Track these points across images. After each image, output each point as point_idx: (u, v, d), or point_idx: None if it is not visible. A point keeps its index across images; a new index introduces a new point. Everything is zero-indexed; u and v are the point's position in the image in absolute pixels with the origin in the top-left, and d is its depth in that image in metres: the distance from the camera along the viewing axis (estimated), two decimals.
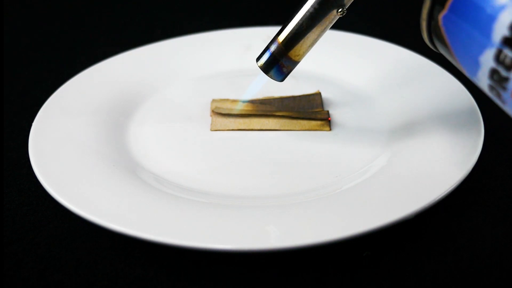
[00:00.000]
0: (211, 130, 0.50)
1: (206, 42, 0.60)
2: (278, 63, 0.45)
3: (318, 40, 0.45)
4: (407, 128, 0.48)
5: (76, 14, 0.74)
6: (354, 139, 0.48)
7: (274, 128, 0.50)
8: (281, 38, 0.45)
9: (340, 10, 0.43)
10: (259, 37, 0.57)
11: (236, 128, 0.50)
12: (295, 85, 0.54)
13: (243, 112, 0.51)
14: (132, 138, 0.49)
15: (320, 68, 0.57)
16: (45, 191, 0.42)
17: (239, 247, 0.37)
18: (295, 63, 0.45)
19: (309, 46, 0.45)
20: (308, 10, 0.43)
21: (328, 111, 0.51)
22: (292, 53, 0.45)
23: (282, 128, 0.50)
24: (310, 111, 0.51)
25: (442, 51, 0.40)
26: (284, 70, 0.45)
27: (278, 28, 0.63)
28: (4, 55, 0.65)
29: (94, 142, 0.47)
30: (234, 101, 0.52)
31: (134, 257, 0.40)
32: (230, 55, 0.59)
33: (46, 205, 0.44)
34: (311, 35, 0.44)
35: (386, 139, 0.48)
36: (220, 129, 0.50)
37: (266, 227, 0.39)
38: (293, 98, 0.53)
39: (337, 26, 0.61)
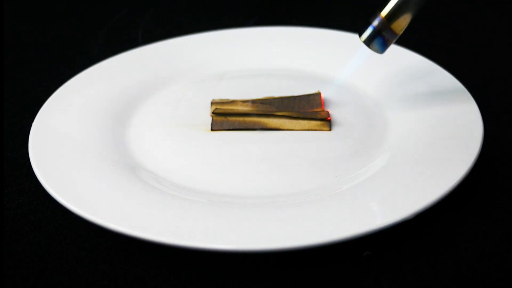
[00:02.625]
0: (211, 130, 0.50)
1: (206, 42, 0.60)
2: (383, 36, 0.46)
3: (418, 12, 0.46)
4: (407, 128, 0.48)
5: (76, 14, 0.74)
6: (354, 139, 0.48)
7: (274, 128, 0.50)
8: (384, 12, 0.46)
9: None
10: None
11: (236, 128, 0.50)
12: (295, 85, 0.54)
13: (243, 112, 0.51)
14: (132, 138, 0.49)
15: (320, 68, 0.57)
16: (45, 191, 0.42)
17: (239, 247, 0.37)
18: (397, 35, 0.47)
19: (411, 18, 0.46)
20: None
21: (328, 111, 0.51)
22: (396, 26, 0.46)
23: (282, 128, 0.50)
24: (310, 111, 0.51)
25: None
26: (387, 42, 0.47)
27: (277, 28, 0.63)
28: (4, 55, 0.65)
29: (94, 142, 0.47)
30: (234, 101, 0.52)
31: (134, 257, 0.40)
32: (230, 55, 0.59)
33: (46, 205, 0.44)
34: (414, 7, 0.46)
35: (386, 139, 0.48)
36: (220, 129, 0.50)
37: (266, 227, 0.39)
38: (293, 98, 0.53)
39: (337, 26, 0.62)
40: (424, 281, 0.38)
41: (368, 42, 0.47)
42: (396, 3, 0.46)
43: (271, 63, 0.58)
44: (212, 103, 0.52)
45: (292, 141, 0.49)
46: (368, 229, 0.37)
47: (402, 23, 0.46)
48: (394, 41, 0.47)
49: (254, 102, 0.52)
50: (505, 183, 0.45)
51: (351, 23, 0.62)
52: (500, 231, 0.41)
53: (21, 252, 0.41)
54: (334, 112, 0.51)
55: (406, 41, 0.58)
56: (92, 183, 0.43)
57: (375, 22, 0.46)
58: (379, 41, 0.47)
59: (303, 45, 0.60)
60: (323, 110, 0.51)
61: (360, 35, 0.47)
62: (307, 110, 0.51)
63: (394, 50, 0.57)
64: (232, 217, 0.40)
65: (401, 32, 0.47)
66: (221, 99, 0.53)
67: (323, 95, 0.53)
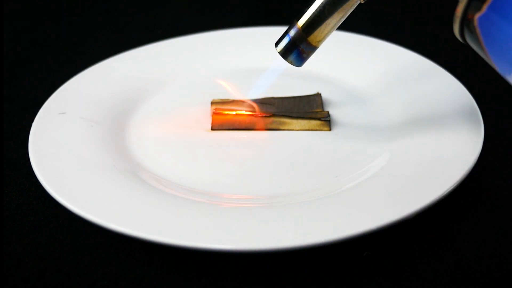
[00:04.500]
0: (211, 130, 0.50)
1: (206, 42, 0.60)
2: (298, 48, 0.44)
3: (338, 25, 0.44)
4: (407, 128, 0.48)
5: (76, 14, 0.74)
6: (354, 139, 0.48)
7: (274, 128, 0.50)
8: (301, 23, 0.44)
9: None
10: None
11: (236, 128, 0.50)
12: (295, 85, 0.54)
13: (243, 112, 0.51)
14: (132, 138, 0.49)
15: (320, 68, 0.57)
16: (45, 191, 0.42)
17: (239, 247, 0.37)
18: (314, 48, 0.45)
19: (330, 31, 0.44)
20: None
21: (328, 112, 0.51)
22: (312, 38, 0.44)
23: (282, 128, 0.50)
24: (310, 111, 0.51)
25: (473, 46, 0.40)
26: (304, 55, 0.45)
27: (278, 28, 0.63)
28: (4, 55, 0.65)
29: (94, 142, 0.47)
30: (234, 101, 0.52)
31: (134, 257, 0.40)
32: (230, 55, 0.59)
33: (46, 205, 0.44)
34: (331, 21, 0.43)
35: (386, 139, 0.48)
36: (220, 129, 0.50)
37: (266, 227, 0.39)
38: (293, 98, 0.53)
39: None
40: (424, 281, 0.38)
41: (284, 54, 0.45)
42: (313, 13, 0.43)
43: (271, 63, 0.58)
44: (212, 103, 0.52)
45: (292, 141, 0.49)
46: (368, 229, 0.37)
47: (319, 35, 0.44)
48: (312, 54, 0.45)
49: (254, 102, 0.52)
50: (505, 183, 0.45)
51: (351, 23, 0.62)
52: (500, 231, 0.41)
53: (21, 252, 0.41)
54: (334, 112, 0.51)
55: (406, 41, 0.58)
56: (92, 183, 0.43)
57: (292, 32, 0.44)
58: (296, 53, 0.45)
59: None
60: (323, 110, 0.51)
61: (276, 46, 0.45)
62: (307, 110, 0.51)
63: (394, 50, 0.57)
64: (232, 217, 0.40)
65: (319, 45, 0.45)
66: (221, 99, 0.53)
67: (323, 96, 0.53)
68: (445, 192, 0.40)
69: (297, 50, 0.44)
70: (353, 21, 0.69)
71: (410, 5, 0.73)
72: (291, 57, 0.45)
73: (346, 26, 0.61)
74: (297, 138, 0.49)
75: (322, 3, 0.43)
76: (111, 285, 0.38)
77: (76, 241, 0.41)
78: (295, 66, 0.46)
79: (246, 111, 0.51)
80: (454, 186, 0.40)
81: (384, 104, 0.52)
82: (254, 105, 0.52)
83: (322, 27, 0.43)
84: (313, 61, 0.58)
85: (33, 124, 0.48)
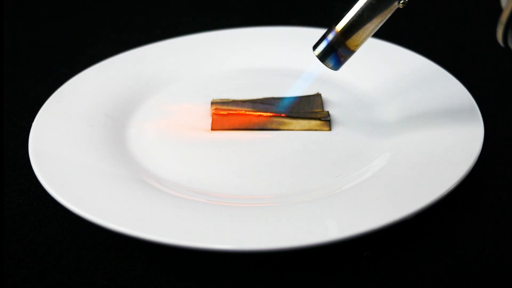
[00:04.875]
0: (211, 130, 0.50)
1: (206, 42, 0.60)
2: (336, 52, 0.45)
3: (376, 30, 0.44)
4: (407, 128, 0.48)
5: (76, 14, 0.74)
6: (354, 139, 0.48)
7: (274, 128, 0.50)
8: (339, 27, 0.44)
9: (402, 1, 0.43)
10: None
11: (236, 128, 0.50)
12: (295, 85, 0.54)
13: (243, 112, 0.51)
14: (132, 138, 0.49)
15: (320, 68, 0.57)
16: (45, 191, 0.42)
17: (239, 247, 0.37)
18: (352, 52, 0.45)
19: (368, 35, 0.44)
20: (369, 1, 0.43)
21: (328, 112, 0.51)
22: (350, 43, 0.44)
23: (282, 128, 0.50)
24: (310, 111, 0.51)
25: None
26: (342, 59, 0.45)
27: (277, 28, 0.63)
28: (4, 55, 0.65)
29: (94, 142, 0.47)
30: (234, 101, 0.52)
31: (134, 257, 0.40)
32: (231, 55, 0.59)
33: (46, 205, 0.44)
34: (370, 25, 0.44)
35: (386, 139, 0.48)
36: (220, 129, 0.50)
37: (266, 227, 0.39)
38: (293, 98, 0.53)
39: None
40: (424, 281, 0.38)
41: (321, 57, 0.45)
42: (352, 18, 0.44)
43: (271, 63, 0.58)
44: (212, 103, 0.52)
45: (292, 141, 0.49)
46: (368, 229, 0.37)
47: (358, 39, 0.44)
48: (349, 58, 0.45)
49: (254, 102, 0.52)
50: (505, 183, 0.45)
51: None
52: (500, 231, 0.41)
53: (21, 252, 0.41)
54: (334, 112, 0.51)
55: (406, 41, 0.58)
56: (92, 183, 0.43)
57: (330, 37, 0.44)
58: (334, 57, 0.45)
59: (303, 45, 0.60)
60: (323, 110, 0.51)
61: (314, 49, 0.45)
62: (307, 110, 0.51)
63: (395, 50, 0.57)
64: (232, 217, 0.40)
65: (356, 49, 0.45)
66: (221, 99, 0.53)
67: (323, 96, 0.53)
68: (445, 192, 0.40)
69: (335, 54, 0.45)
70: None
71: (410, 5, 0.73)
72: (329, 61, 0.45)
73: None
74: (297, 138, 0.49)
75: (361, 8, 0.43)
76: (111, 285, 0.38)
77: (76, 241, 0.41)
78: (332, 69, 0.46)
79: (246, 111, 0.51)
80: (454, 186, 0.40)
81: (384, 104, 0.52)
82: (254, 105, 0.52)
83: (361, 31, 0.44)
84: (313, 61, 0.58)
85: (33, 124, 0.48)
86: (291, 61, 0.58)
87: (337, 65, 0.45)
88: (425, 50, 0.56)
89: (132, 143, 0.49)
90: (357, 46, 0.45)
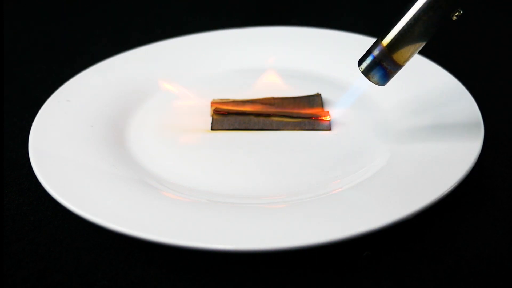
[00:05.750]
0: (211, 130, 0.50)
1: (206, 42, 0.60)
2: (382, 66, 0.43)
3: (425, 43, 0.42)
4: (407, 128, 0.48)
5: (76, 14, 0.74)
6: (354, 139, 0.48)
7: (274, 128, 0.50)
8: (386, 41, 0.42)
9: (456, 13, 0.40)
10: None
11: (236, 128, 0.50)
12: (295, 85, 0.54)
13: (243, 112, 0.51)
14: (132, 138, 0.49)
15: (320, 68, 0.57)
16: (45, 191, 0.42)
17: (239, 247, 0.37)
18: (400, 67, 0.43)
19: (417, 49, 0.42)
20: (419, 17, 0.41)
21: (328, 112, 0.51)
22: (399, 57, 0.42)
23: (282, 128, 0.50)
24: (310, 111, 0.51)
25: None
26: (389, 74, 0.43)
27: (277, 28, 0.63)
28: (4, 55, 0.65)
29: (94, 142, 0.47)
30: (234, 101, 0.52)
31: (134, 257, 0.40)
32: (231, 55, 0.59)
33: (46, 205, 0.44)
34: (420, 41, 0.42)
35: (386, 139, 0.48)
36: (220, 129, 0.50)
37: (266, 227, 0.39)
38: (293, 99, 0.53)
39: (338, 26, 0.62)
40: (424, 281, 0.38)
41: (366, 73, 0.43)
42: (399, 32, 0.41)
43: (271, 63, 0.58)
44: (212, 103, 0.52)
45: (292, 141, 0.49)
46: (368, 229, 0.37)
47: (405, 54, 0.42)
48: (396, 73, 0.43)
49: (254, 102, 0.52)
50: (505, 183, 0.45)
51: (352, 23, 0.62)
52: (500, 231, 0.41)
53: (21, 252, 0.41)
54: (334, 112, 0.51)
55: None
56: (92, 183, 0.43)
57: (376, 51, 0.42)
58: (380, 72, 0.43)
59: (303, 45, 0.60)
60: (323, 111, 0.51)
61: (359, 64, 0.43)
62: (307, 110, 0.51)
63: None
64: (232, 217, 0.40)
65: (405, 64, 0.43)
66: (221, 99, 0.53)
67: (323, 96, 0.53)
68: (445, 192, 0.40)
69: (381, 68, 0.43)
70: (353, 21, 0.69)
71: None
72: (375, 76, 0.43)
73: (346, 26, 0.61)
74: (297, 138, 0.49)
75: (411, 22, 0.41)
76: (111, 285, 0.38)
77: (76, 241, 0.41)
78: (378, 85, 0.44)
79: (246, 111, 0.51)
80: (454, 186, 0.40)
81: (384, 104, 0.52)
82: (254, 105, 0.52)
83: (410, 46, 0.42)
84: (313, 61, 0.58)
85: (33, 124, 0.48)
86: (291, 61, 0.58)
87: (383, 81, 0.43)
88: (425, 50, 0.56)
89: (132, 143, 0.49)
90: (406, 61, 0.42)
